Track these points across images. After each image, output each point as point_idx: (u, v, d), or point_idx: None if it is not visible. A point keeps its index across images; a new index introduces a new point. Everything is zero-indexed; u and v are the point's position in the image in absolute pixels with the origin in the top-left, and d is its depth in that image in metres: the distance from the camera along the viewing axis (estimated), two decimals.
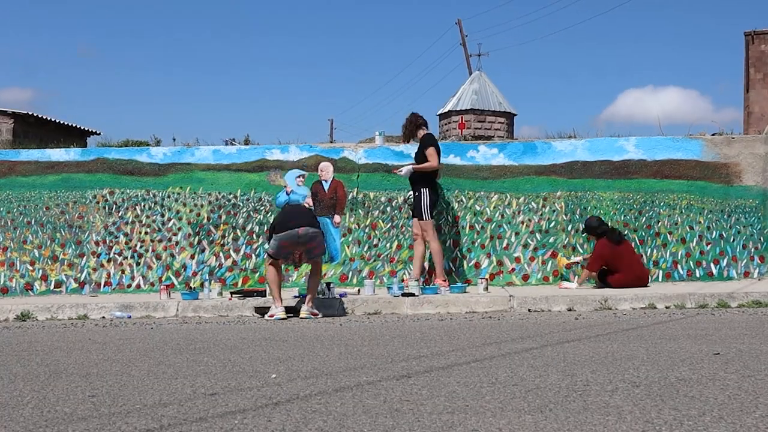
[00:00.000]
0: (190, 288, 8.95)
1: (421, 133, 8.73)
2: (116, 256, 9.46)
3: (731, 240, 9.11)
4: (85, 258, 9.47)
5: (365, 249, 9.35)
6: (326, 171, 9.48)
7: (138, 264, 9.41)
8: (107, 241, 9.51)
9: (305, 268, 8.67)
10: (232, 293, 8.41)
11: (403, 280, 8.47)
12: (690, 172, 9.33)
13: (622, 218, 9.22)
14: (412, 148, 9.79)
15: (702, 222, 9.19)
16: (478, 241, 9.29)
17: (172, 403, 3.61)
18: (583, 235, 8.89)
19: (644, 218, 9.23)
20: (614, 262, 8.29)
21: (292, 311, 7.56)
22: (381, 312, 7.58)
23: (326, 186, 9.42)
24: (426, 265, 8.72)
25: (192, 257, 9.39)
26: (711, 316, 6.67)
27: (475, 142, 10.05)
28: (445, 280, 8.41)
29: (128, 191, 9.71)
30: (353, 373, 4.24)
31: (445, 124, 24.92)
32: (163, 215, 9.58)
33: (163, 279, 9.24)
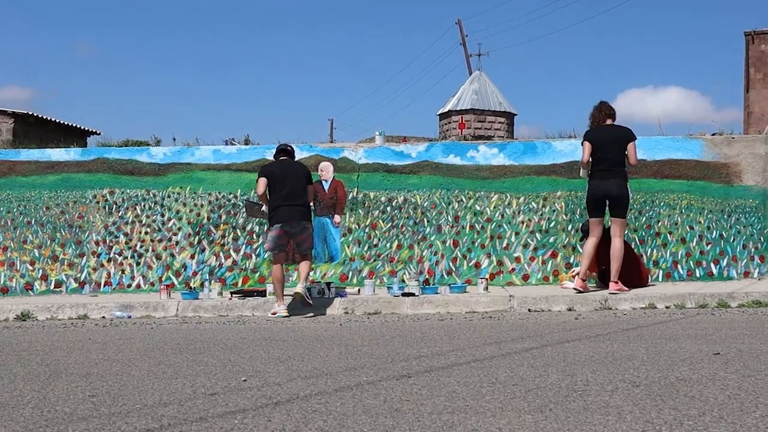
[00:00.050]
0: (190, 288, 8.95)
1: (608, 121, 7.95)
2: (116, 256, 9.46)
3: (731, 240, 9.11)
4: (85, 258, 9.47)
5: (365, 249, 9.35)
6: (326, 171, 9.48)
7: (138, 264, 9.41)
8: (107, 241, 9.51)
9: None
10: (232, 293, 8.41)
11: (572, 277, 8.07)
12: (690, 172, 9.33)
13: None
14: (412, 148, 9.81)
15: (702, 222, 9.19)
16: (478, 241, 9.29)
17: (172, 403, 3.61)
18: (582, 240, 8.85)
19: (644, 218, 9.23)
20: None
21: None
22: (381, 312, 7.58)
23: (326, 186, 9.42)
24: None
25: (192, 257, 9.39)
26: (711, 316, 6.67)
27: (476, 142, 10.05)
28: (616, 283, 7.78)
29: (128, 191, 9.71)
30: (353, 373, 4.24)
31: (445, 124, 24.93)
32: (163, 215, 9.58)
33: (163, 279, 9.24)
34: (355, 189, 9.53)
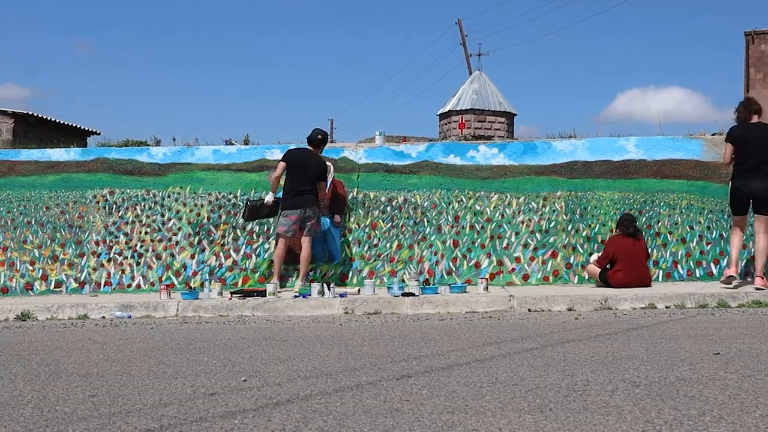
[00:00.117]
0: (190, 288, 8.95)
1: (755, 118, 7.94)
2: (116, 255, 9.45)
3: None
4: (85, 258, 9.47)
5: (365, 249, 9.35)
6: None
7: (138, 264, 9.41)
8: (107, 241, 9.51)
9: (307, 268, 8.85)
10: (232, 293, 8.42)
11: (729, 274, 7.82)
12: (690, 172, 9.33)
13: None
14: (412, 148, 9.81)
15: (702, 222, 9.18)
16: (478, 240, 9.28)
17: (172, 403, 3.61)
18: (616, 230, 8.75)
19: (644, 218, 9.22)
20: (620, 257, 8.22)
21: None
22: (381, 312, 7.58)
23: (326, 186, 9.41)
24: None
25: (192, 257, 9.39)
26: (711, 316, 6.66)
27: (475, 142, 10.05)
28: (761, 278, 7.75)
29: (128, 191, 9.72)
30: (353, 373, 4.24)
31: (445, 124, 24.93)
32: (163, 215, 9.58)
33: (163, 279, 9.24)
34: (355, 189, 9.53)
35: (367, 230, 9.39)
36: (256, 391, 3.84)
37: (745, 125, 7.93)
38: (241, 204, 9.49)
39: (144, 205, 9.63)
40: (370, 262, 9.30)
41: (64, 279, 9.37)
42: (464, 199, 9.43)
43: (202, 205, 9.59)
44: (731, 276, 7.80)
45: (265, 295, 8.16)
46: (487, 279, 8.40)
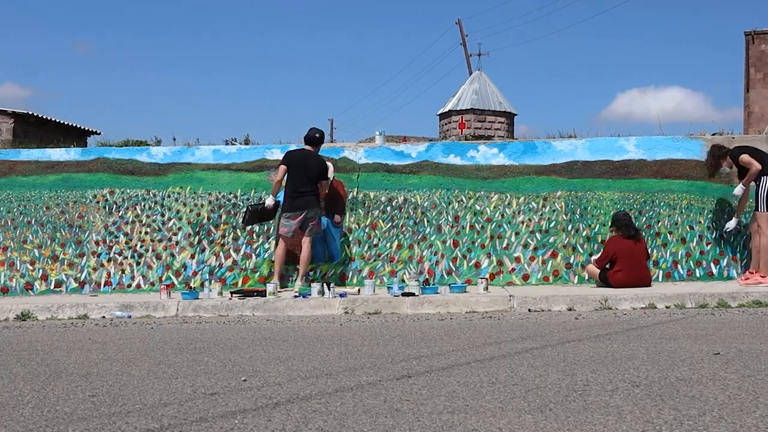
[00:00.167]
0: (190, 288, 8.95)
1: (724, 162, 8.73)
2: (116, 255, 9.45)
3: (731, 240, 9.10)
4: (85, 258, 9.47)
5: (365, 249, 9.35)
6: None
7: (138, 264, 9.41)
8: (107, 241, 9.51)
9: (307, 269, 8.86)
10: (232, 293, 8.42)
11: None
12: (690, 172, 9.33)
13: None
14: (412, 148, 9.81)
15: (702, 222, 9.18)
16: (478, 240, 9.28)
17: (173, 403, 3.61)
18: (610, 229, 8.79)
19: (644, 218, 9.22)
20: (620, 258, 8.23)
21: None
22: (381, 312, 7.58)
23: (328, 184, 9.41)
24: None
25: (192, 257, 9.39)
26: (711, 316, 6.66)
27: (476, 142, 10.05)
28: (763, 276, 8.21)
29: (128, 191, 9.72)
30: (353, 373, 4.24)
31: (445, 124, 24.94)
32: (163, 215, 9.58)
33: (163, 279, 9.24)
34: (355, 189, 9.53)
35: (367, 230, 9.39)
36: (256, 391, 3.84)
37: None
38: (242, 204, 9.49)
39: (144, 205, 9.63)
40: (370, 262, 9.30)
41: (64, 279, 9.37)
42: (464, 199, 9.42)
43: (202, 205, 9.59)
44: None
45: (265, 295, 8.16)
46: (487, 279, 8.40)
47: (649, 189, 9.32)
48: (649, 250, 8.92)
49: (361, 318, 7.27)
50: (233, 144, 10.41)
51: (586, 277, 8.78)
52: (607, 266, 8.37)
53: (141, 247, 9.47)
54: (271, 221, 9.17)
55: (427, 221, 9.38)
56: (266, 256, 9.31)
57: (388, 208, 9.46)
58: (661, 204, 9.25)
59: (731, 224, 8.79)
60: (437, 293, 8.15)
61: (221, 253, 9.39)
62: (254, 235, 9.42)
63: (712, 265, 9.05)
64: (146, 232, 9.53)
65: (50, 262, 9.45)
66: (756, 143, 9.33)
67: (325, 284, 8.24)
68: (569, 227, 9.23)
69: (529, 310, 7.48)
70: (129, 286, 9.33)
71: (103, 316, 7.80)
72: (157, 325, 7.00)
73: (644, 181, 9.35)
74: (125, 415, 3.40)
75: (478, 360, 4.57)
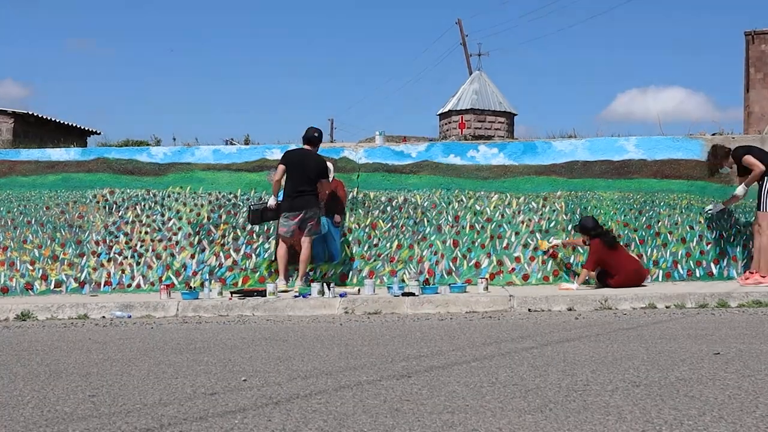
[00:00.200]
0: (190, 288, 8.95)
1: (726, 162, 8.78)
2: (116, 255, 9.45)
3: (731, 240, 9.10)
4: (85, 258, 9.47)
5: (365, 249, 9.35)
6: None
7: (138, 264, 9.41)
8: (107, 241, 9.51)
9: (307, 269, 8.88)
10: (232, 293, 8.42)
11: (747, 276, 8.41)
12: (690, 172, 9.33)
13: (622, 218, 9.21)
14: (412, 148, 9.81)
15: (702, 222, 9.18)
16: (479, 240, 9.28)
17: (172, 403, 3.61)
18: (577, 233, 8.87)
19: (644, 218, 9.23)
20: (610, 263, 8.28)
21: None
22: (381, 312, 7.58)
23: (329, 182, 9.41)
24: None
25: (192, 257, 9.39)
26: (711, 315, 6.67)
27: (476, 142, 10.05)
28: (764, 276, 8.22)
29: (128, 191, 9.72)
30: (353, 373, 4.24)
31: (445, 124, 24.94)
32: (163, 215, 9.58)
33: (163, 279, 9.24)
34: (355, 189, 9.53)
35: (367, 230, 9.39)
36: (256, 390, 3.84)
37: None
38: (242, 204, 9.50)
39: (144, 205, 9.63)
40: (370, 262, 9.30)
41: (64, 279, 9.37)
42: (464, 199, 9.42)
43: (202, 205, 9.59)
44: None
45: (265, 295, 8.16)
46: (487, 279, 8.40)
47: (649, 189, 9.32)
48: (649, 250, 8.92)
49: (361, 318, 7.27)
50: (233, 144, 10.41)
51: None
52: (601, 269, 8.39)
53: (141, 247, 9.47)
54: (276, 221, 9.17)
55: (427, 221, 9.38)
56: (266, 256, 9.32)
57: (388, 208, 9.46)
58: (661, 204, 9.26)
59: (711, 207, 8.88)
60: (437, 293, 8.15)
61: (221, 253, 9.39)
62: (254, 235, 9.42)
63: (712, 265, 9.05)
64: (146, 232, 9.53)
65: (50, 262, 9.45)
66: (756, 143, 9.33)
67: (325, 284, 8.24)
68: (569, 227, 9.23)
69: (529, 310, 7.48)
70: (129, 286, 9.33)
71: (103, 316, 7.80)
72: (157, 325, 7.00)
73: (644, 181, 9.34)
74: (125, 415, 3.40)
75: (478, 360, 4.57)
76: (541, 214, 9.31)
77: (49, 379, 4.31)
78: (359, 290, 8.46)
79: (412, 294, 7.92)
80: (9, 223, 9.65)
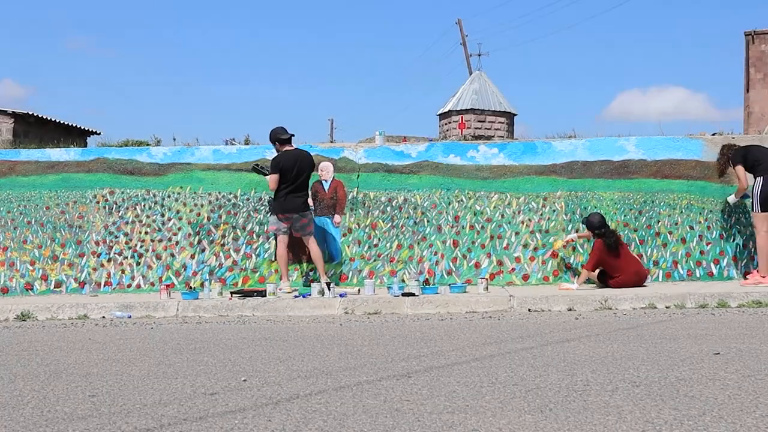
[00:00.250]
0: (190, 288, 8.95)
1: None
2: (116, 255, 9.45)
3: (731, 240, 9.10)
4: (85, 258, 9.47)
5: (365, 249, 9.35)
6: (326, 171, 9.47)
7: (138, 264, 9.41)
8: (107, 241, 9.51)
9: (307, 268, 8.93)
10: (232, 293, 8.42)
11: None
12: (690, 172, 9.32)
13: (622, 218, 9.21)
14: (412, 148, 9.80)
15: (702, 222, 9.18)
16: (478, 240, 9.28)
17: (172, 403, 3.61)
18: (583, 226, 8.83)
19: (644, 218, 9.22)
20: (611, 264, 8.28)
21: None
22: (381, 312, 7.58)
23: (326, 186, 9.42)
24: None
25: (192, 257, 9.39)
26: (711, 315, 6.67)
27: (475, 142, 10.04)
28: (764, 276, 8.19)
29: (128, 191, 9.71)
30: (353, 373, 4.24)
31: (445, 124, 24.95)
32: (163, 215, 9.58)
33: (163, 279, 9.24)
34: (355, 189, 9.53)
35: (367, 230, 9.39)
36: (256, 391, 3.84)
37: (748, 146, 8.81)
38: (242, 204, 9.51)
39: (144, 205, 9.63)
40: (370, 262, 9.30)
41: (64, 279, 9.38)
42: (464, 199, 9.42)
43: (202, 205, 9.58)
44: None
45: (265, 295, 8.16)
46: (487, 279, 8.40)
47: (649, 189, 9.31)
48: (649, 250, 8.92)
49: (361, 318, 7.27)
50: (233, 144, 10.41)
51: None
52: (600, 268, 8.39)
53: (141, 247, 9.47)
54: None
55: (427, 221, 9.38)
56: (266, 256, 9.32)
57: (388, 208, 9.46)
58: (661, 204, 9.25)
59: (732, 198, 8.89)
60: (437, 293, 8.15)
61: (221, 253, 9.39)
62: (254, 235, 9.42)
63: (712, 265, 9.05)
64: (146, 232, 9.53)
65: (50, 262, 9.45)
66: (755, 143, 9.32)
67: (325, 284, 8.24)
68: (569, 227, 9.23)
69: (529, 310, 7.48)
70: (129, 286, 9.33)
71: (103, 316, 7.80)
72: (157, 325, 7.00)
73: (644, 181, 9.34)
74: (125, 415, 3.40)
75: (478, 360, 4.57)
76: (541, 214, 9.31)
77: (49, 379, 4.31)
78: (359, 290, 8.46)
79: (412, 294, 7.92)
80: (9, 223, 9.65)
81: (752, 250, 9.01)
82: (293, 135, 8.88)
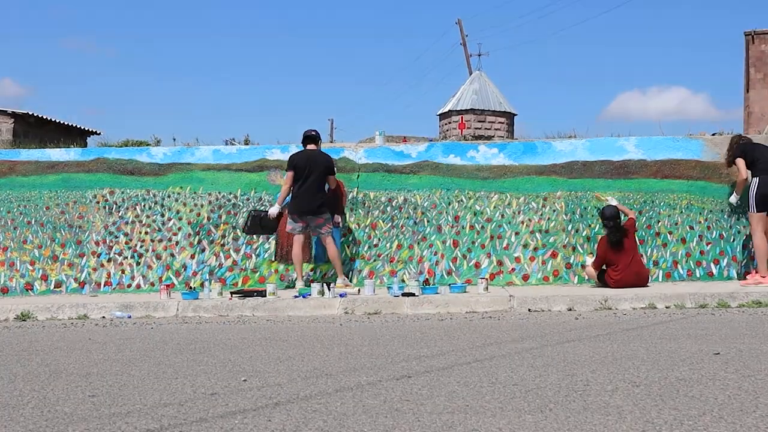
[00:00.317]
0: (190, 288, 8.95)
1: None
2: (116, 255, 9.46)
3: (731, 240, 9.10)
4: (85, 258, 9.47)
5: (365, 249, 9.35)
6: None
7: (138, 264, 9.41)
8: (107, 241, 9.51)
9: (305, 268, 8.91)
10: (232, 293, 8.42)
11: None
12: (690, 172, 9.32)
13: (622, 218, 9.20)
14: (412, 148, 9.80)
15: (702, 222, 9.18)
16: (478, 240, 9.28)
17: (173, 403, 3.61)
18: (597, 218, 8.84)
19: (644, 218, 9.22)
20: (610, 260, 8.27)
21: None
22: (381, 312, 7.58)
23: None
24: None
25: (192, 257, 9.39)
26: (711, 316, 6.66)
27: (475, 142, 10.04)
28: (763, 276, 8.28)
29: (128, 191, 9.71)
30: (353, 373, 4.24)
31: (445, 124, 24.95)
32: (163, 215, 9.58)
33: (163, 279, 9.24)
34: (355, 189, 9.53)
35: (367, 230, 9.39)
36: (256, 391, 3.84)
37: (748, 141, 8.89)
38: (242, 204, 9.50)
39: (144, 205, 9.63)
40: (370, 262, 9.30)
41: (64, 279, 9.38)
42: (464, 199, 9.42)
43: (202, 205, 9.58)
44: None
45: (265, 295, 8.16)
46: (487, 279, 8.39)
47: (649, 189, 9.31)
48: (649, 250, 8.91)
49: (361, 318, 7.27)
50: (233, 144, 10.41)
51: (586, 278, 8.79)
52: (604, 267, 8.39)
53: (141, 247, 9.47)
54: (272, 236, 9.18)
55: (427, 221, 9.38)
56: (266, 256, 9.32)
57: (388, 208, 9.46)
58: (661, 204, 9.25)
59: (734, 198, 8.93)
60: (437, 293, 8.15)
61: (221, 253, 9.40)
62: (254, 235, 9.42)
63: (712, 265, 9.05)
64: (146, 232, 9.53)
65: (50, 262, 9.45)
66: (760, 143, 9.31)
67: (325, 284, 8.24)
68: (569, 227, 9.24)
69: (529, 310, 7.48)
70: (129, 286, 9.33)
71: (103, 316, 7.80)
72: (157, 325, 7.00)
73: (644, 181, 9.34)
74: (125, 415, 3.40)
75: (478, 360, 4.57)
76: (541, 214, 9.31)
77: (49, 379, 4.31)
78: (359, 290, 8.46)
79: (412, 294, 7.92)
80: (9, 223, 9.65)
81: (752, 249, 9.01)
82: (315, 134, 8.90)
